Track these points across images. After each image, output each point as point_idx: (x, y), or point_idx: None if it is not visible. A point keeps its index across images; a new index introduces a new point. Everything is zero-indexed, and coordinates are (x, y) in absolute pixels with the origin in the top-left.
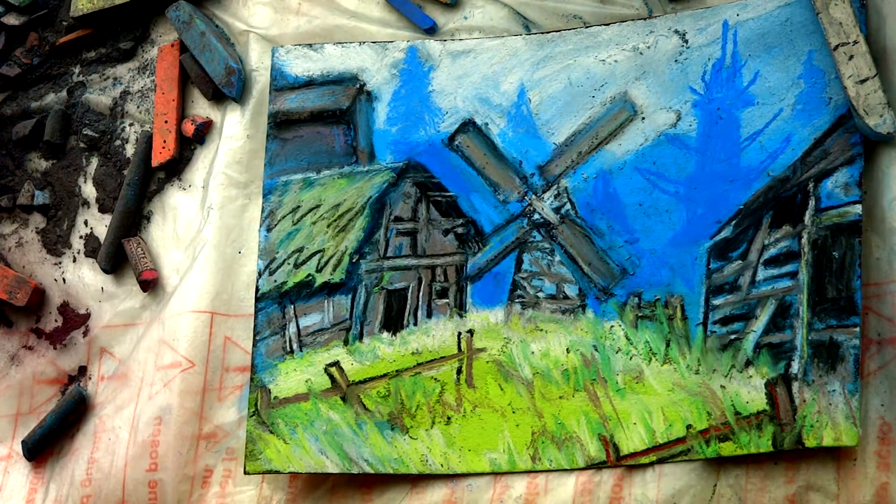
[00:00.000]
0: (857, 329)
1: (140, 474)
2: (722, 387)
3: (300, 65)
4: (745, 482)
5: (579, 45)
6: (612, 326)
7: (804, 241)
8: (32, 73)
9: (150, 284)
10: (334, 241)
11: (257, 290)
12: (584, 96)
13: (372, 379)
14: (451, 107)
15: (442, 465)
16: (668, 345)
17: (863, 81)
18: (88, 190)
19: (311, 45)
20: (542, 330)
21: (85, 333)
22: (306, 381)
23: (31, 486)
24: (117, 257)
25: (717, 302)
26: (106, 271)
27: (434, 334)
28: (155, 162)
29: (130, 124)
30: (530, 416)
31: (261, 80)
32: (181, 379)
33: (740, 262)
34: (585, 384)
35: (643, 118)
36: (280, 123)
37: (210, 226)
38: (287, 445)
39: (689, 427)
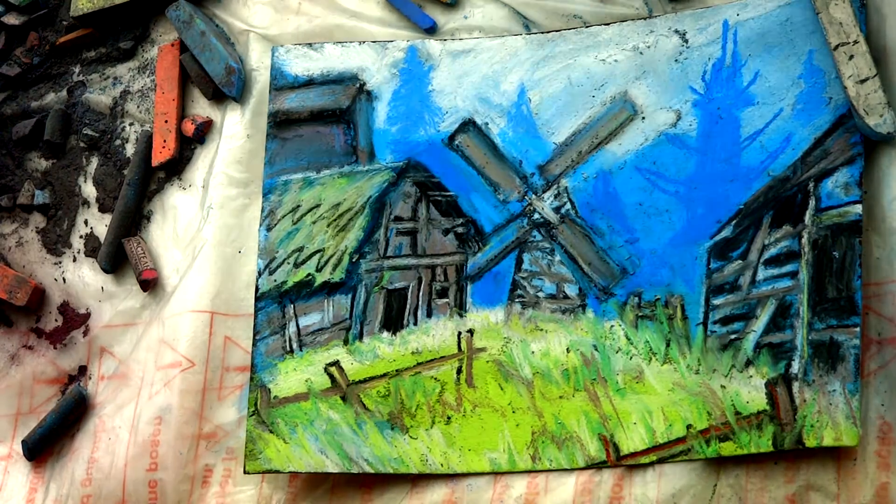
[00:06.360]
0: (858, 329)
1: (140, 474)
2: (722, 387)
3: (300, 64)
4: (745, 482)
5: (579, 44)
6: (612, 326)
7: (804, 240)
8: (32, 73)
9: (150, 284)
10: (334, 241)
11: (257, 289)
12: (584, 96)
13: (372, 378)
14: (451, 106)
15: (442, 465)
16: (668, 345)
17: (863, 81)
18: (88, 189)
19: (311, 45)
20: (542, 330)
21: (85, 333)
22: (306, 381)
23: (31, 485)
24: (117, 257)
25: (717, 302)
26: (106, 271)
27: (434, 334)
28: (155, 161)
29: (130, 124)
30: (530, 415)
31: (261, 79)
32: (181, 379)
33: (740, 261)
34: (585, 384)
35: (643, 118)
36: (280, 123)
37: (210, 225)
38: (287, 445)
39: (689, 427)
